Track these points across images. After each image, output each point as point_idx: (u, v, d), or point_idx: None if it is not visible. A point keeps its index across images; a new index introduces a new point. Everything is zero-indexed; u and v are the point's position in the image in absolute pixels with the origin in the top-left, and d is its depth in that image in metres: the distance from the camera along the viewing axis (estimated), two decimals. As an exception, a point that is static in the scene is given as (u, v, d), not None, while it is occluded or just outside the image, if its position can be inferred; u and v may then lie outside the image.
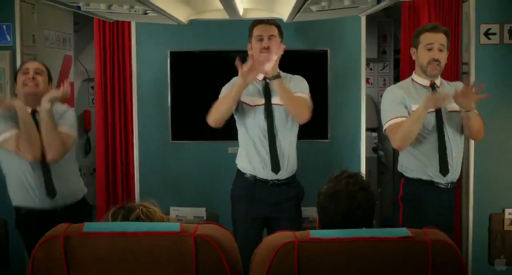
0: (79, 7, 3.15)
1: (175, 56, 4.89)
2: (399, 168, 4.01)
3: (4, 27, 4.33)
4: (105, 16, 3.94)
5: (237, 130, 4.06)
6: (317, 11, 3.25)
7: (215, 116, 3.86)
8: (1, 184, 4.30)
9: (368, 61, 6.66)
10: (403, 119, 3.80)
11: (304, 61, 4.83)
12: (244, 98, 3.90)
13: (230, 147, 4.50)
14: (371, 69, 7.26)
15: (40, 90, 3.83)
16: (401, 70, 5.36)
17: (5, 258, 4.48)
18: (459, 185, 4.74)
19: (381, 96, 7.18)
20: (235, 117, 3.99)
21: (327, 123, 4.87)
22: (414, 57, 3.97)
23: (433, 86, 3.91)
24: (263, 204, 3.99)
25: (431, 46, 3.85)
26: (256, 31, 3.97)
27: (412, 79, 4.00)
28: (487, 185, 4.55)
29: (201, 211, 4.82)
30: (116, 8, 3.09)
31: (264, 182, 3.98)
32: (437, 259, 2.14)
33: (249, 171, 4.00)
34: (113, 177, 5.32)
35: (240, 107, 3.93)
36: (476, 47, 4.53)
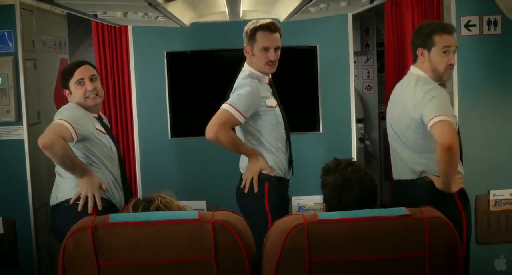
0: (96, 15, 3.31)
1: (171, 56, 5.04)
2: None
3: (6, 34, 4.42)
4: (113, 22, 4.06)
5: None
6: (314, 11, 3.42)
7: (221, 143, 3.75)
8: (11, 184, 4.49)
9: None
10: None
11: (294, 57, 4.99)
12: (268, 101, 3.85)
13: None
14: (355, 61, 7.39)
15: (102, 99, 3.86)
16: (386, 62, 5.53)
17: (15, 257, 4.58)
18: None
19: (365, 88, 7.46)
20: (249, 123, 3.84)
21: (318, 115, 5.06)
22: (423, 58, 3.62)
23: None
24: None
25: (448, 49, 3.59)
26: (262, 40, 3.81)
27: None
28: (473, 168, 4.61)
29: (202, 204, 4.99)
30: (131, 15, 3.25)
31: (288, 181, 4.00)
32: (433, 234, 2.35)
33: (279, 173, 3.90)
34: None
35: (261, 111, 3.82)
36: (458, 39, 4.56)
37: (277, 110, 3.88)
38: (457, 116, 4.50)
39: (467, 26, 4.67)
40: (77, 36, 6.36)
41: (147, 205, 2.59)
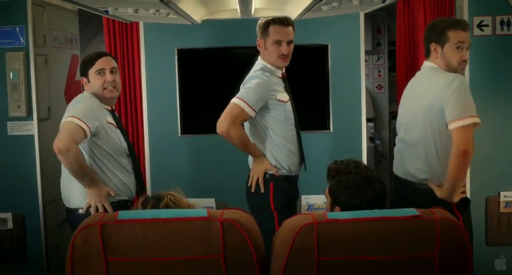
0: (107, 11, 3.30)
1: (182, 53, 5.06)
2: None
3: (17, 29, 4.42)
4: (125, 18, 4.07)
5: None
6: (327, 10, 3.41)
7: (231, 139, 3.78)
8: (21, 179, 4.50)
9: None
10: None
11: (306, 56, 4.98)
12: (280, 95, 3.85)
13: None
14: (366, 61, 7.38)
15: (119, 93, 3.86)
16: (397, 62, 5.51)
17: (23, 252, 4.58)
18: None
19: (376, 87, 7.43)
20: (256, 118, 3.84)
21: (329, 114, 5.05)
22: (436, 54, 3.62)
23: None
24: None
25: (462, 45, 3.61)
26: (274, 34, 3.82)
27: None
28: (483, 169, 4.64)
29: (211, 202, 5.00)
30: (142, 12, 3.24)
31: (296, 178, 4.02)
32: (444, 236, 2.34)
33: (285, 172, 3.91)
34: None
35: (270, 105, 3.82)
36: (470, 38, 4.63)
37: (288, 105, 3.88)
38: None
39: (479, 26, 4.63)
40: (88, 32, 6.38)
41: (156, 202, 2.58)
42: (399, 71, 5.71)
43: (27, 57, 4.45)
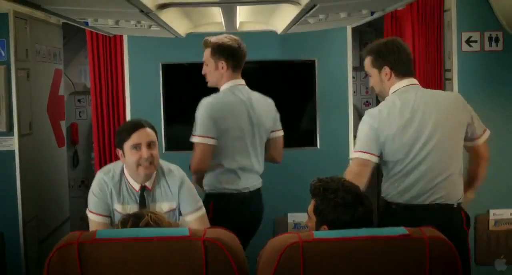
0: (86, 23, 3.22)
1: (167, 68, 4.99)
2: None
3: (-1, 42, 4.37)
4: (106, 31, 4.00)
5: None
6: (313, 23, 3.36)
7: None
8: (0, 196, 4.40)
9: (350, 69, 6.76)
10: None
11: (292, 71, 4.94)
12: None
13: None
14: (353, 77, 7.31)
15: (156, 168, 3.39)
16: (384, 78, 5.43)
17: (3, 270, 4.46)
18: None
19: (364, 104, 7.38)
20: None
21: (315, 131, 4.99)
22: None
23: None
24: None
25: None
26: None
27: None
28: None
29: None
30: (123, 23, 3.17)
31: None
32: (434, 255, 2.28)
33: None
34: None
35: None
36: (458, 54, 4.64)
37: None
38: None
39: (468, 42, 4.63)
40: (73, 47, 6.28)
41: (136, 221, 2.52)
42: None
43: (8, 71, 4.37)
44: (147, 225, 2.49)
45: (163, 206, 3.37)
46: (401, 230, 2.34)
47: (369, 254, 2.28)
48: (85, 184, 6.52)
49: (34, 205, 4.68)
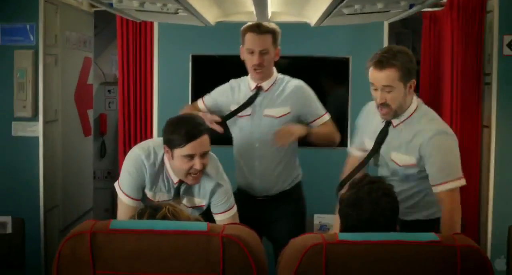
0: (111, 4, 3.12)
1: (197, 60, 4.87)
2: None
3: (28, 26, 4.29)
4: (133, 15, 3.90)
5: None
6: (348, 14, 3.22)
7: None
8: (23, 183, 4.37)
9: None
10: None
11: (326, 68, 4.80)
12: (234, 108, 3.79)
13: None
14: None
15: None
16: (420, 82, 5.29)
17: (21, 258, 4.43)
18: (478, 196, 4.74)
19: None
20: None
21: (347, 130, 4.84)
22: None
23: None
24: None
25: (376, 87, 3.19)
26: (247, 42, 3.65)
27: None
28: (507, 196, 4.47)
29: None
30: (148, 6, 3.06)
31: (255, 200, 3.90)
32: (466, 265, 2.14)
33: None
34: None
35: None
36: (499, 58, 4.47)
37: (243, 120, 3.76)
38: (494, 142, 4.48)
39: (510, 45, 4.46)
40: (105, 37, 6.24)
41: (153, 212, 2.40)
42: (422, 91, 5.49)
43: (36, 56, 4.32)
44: (164, 217, 2.37)
45: (194, 200, 3.28)
46: (431, 236, 2.20)
47: (396, 259, 2.14)
48: (111, 175, 6.50)
49: (56, 193, 4.65)
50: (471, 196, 4.70)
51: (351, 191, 2.53)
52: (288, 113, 3.71)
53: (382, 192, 2.48)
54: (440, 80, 5.13)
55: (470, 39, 4.76)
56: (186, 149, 3.07)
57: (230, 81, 3.84)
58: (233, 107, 3.76)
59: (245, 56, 3.70)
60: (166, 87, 4.96)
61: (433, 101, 5.01)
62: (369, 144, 3.34)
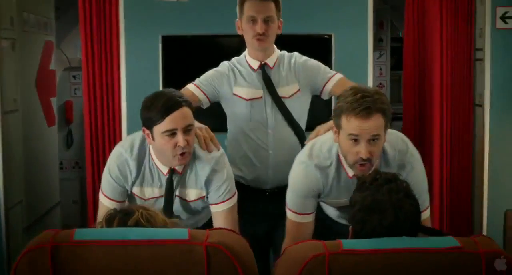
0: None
1: (167, 40, 4.61)
2: None
3: (-22, 9, 4.03)
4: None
5: None
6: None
7: None
8: None
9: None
10: None
11: (306, 47, 4.37)
12: (238, 90, 3.40)
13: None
14: (368, 57, 7.03)
15: (191, 155, 2.89)
16: (404, 59, 5.06)
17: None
18: (470, 181, 4.58)
19: (377, 85, 6.98)
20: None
21: (331, 114, 4.58)
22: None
23: None
24: None
25: (357, 138, 2.66)
26: (248, 10, 3.28)
27: None
28: (502, 181, 4.34)
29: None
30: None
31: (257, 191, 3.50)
32: (491, 273, 1.88)
33: (240, 173, 3.50)
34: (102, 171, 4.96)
35: (225, 99, 3.45)
36: (492, 32, 4.29)
37: (253, 103, 3.37)
38: (488, 121, 4.35)
39: (503, 18, 4.28)
40: (68, 19, 5.95)
41: (124, 218, 2.09)
42: (406, 69, 5.27)
43: (-10, 40, 4.06)
44: (137, 223, 2.06)
45: (191, 193, 2.94)
46: (451, 241, 1.92)
47: (411, 270, 1.86)
48: (79, 166, 6.28)
49: (18, 190, 4.43)
50: (464, 181, 4.58)
51: (366, 192, 2.16)
52: (298, 90, 3.40)
53: (404, 193, 2.12)
54: (426, 55, 4.94)
55: (459, 11, 4.56)
56: (165, 123, 2.74)
57: (222, 63, 3.47)
58: (238, 91, 3.38)
59: (244, 27, 3.33)
60: (134, 71, 4.67)
61: (419, 79, 4.89)
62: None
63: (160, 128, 2.75)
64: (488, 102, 4.32)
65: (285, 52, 3.49)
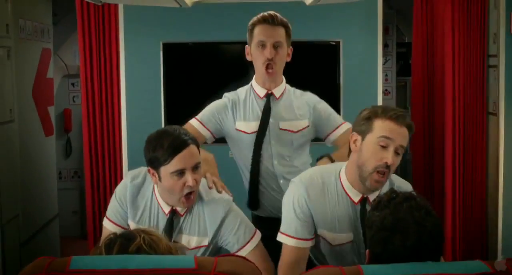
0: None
1: (168, 48, 4.60)
2: None
3: (-27, 16, 3.96)
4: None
5: None
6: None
7: None
8: None
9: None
10: None
11: (314, 54, 4.54)
12: (240, 125, 3.30)
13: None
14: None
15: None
16: (412, 65, 5.01)
17: None
18: (485, 192, 4.51)
19: (383, 92, 6.88)
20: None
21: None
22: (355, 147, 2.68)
23: None
24: None
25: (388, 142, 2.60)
26: (258, 35, 3.16)
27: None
28: None
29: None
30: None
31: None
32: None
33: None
34: (103, 180, 4.92)
35: (228, 133, 3.37)
36: (507, 37, 4.22)
37: (251, 137, 3.26)
38: (503, 130, 4.29)
39: (517, 23, 4.23)
40: (66, 25, 5.91)
41: (125, 243, 1.92)
42: (415, 74, 5.21)
43: (-16, 49, 4.00)
44: (139, 250, 1.90)
45: (191, 240, 2.77)
46: (478, 266, 1.77)
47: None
48: (78, 175, 6.24)
49: (15, 203, 4.35)
50: (477, 192, 4.49)
51: (384, 211, 2.00)
52: (307, 126, 3.26)
53: (425, 211, 1.97)
54: (434, 62, 4.93)
55: (472, 16, 4.49)
56: (174, 164, 2.62)
57: (225, 94, 3.35)
58: (241, 125, 3.27)
59: (253, 52, 3.20)
60: (134, 78, 4.69)
61: (428, 86, 4.91)
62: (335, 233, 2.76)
63: (168, 168, 2.63)
64: (503, 111, 4.25)
65: (295, 89, 3.37)
